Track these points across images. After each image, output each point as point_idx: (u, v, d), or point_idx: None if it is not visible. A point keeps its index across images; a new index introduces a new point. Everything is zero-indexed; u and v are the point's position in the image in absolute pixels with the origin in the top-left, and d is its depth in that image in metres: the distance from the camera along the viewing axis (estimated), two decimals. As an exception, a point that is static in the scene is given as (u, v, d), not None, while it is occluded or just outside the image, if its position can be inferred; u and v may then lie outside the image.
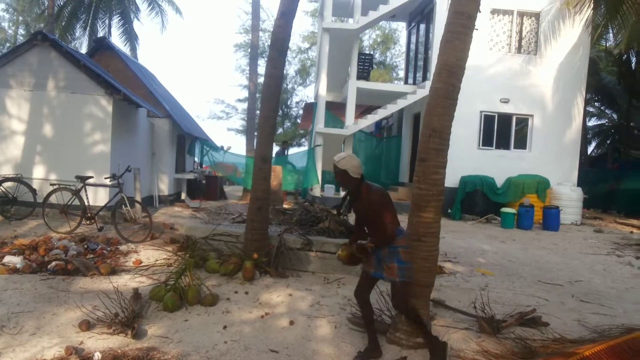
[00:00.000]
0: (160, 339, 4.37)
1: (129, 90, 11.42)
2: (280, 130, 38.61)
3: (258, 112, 32.75)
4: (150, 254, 7.51)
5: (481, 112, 15.66)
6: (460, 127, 15.16)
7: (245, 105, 38.99)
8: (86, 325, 4.41)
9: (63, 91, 9.99)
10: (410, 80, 18.98)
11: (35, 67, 9.98)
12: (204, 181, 17.40)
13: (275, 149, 19.36)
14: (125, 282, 6.00)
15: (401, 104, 15.84)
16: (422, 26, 17.78)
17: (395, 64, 35.16)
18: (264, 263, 6.60)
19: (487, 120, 15.79)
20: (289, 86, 37.55)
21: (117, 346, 4.11)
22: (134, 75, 13.87)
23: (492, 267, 8.12)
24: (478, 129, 15.72)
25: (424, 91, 15.52)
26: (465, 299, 6.03)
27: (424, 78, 16.51)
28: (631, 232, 13.62)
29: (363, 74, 17.66)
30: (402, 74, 34.92)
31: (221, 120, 39.13)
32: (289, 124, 37.65)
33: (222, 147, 17.60)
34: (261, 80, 24.51)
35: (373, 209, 4.09)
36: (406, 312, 4.25)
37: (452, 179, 12.59)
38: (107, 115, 10.00)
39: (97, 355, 3.68)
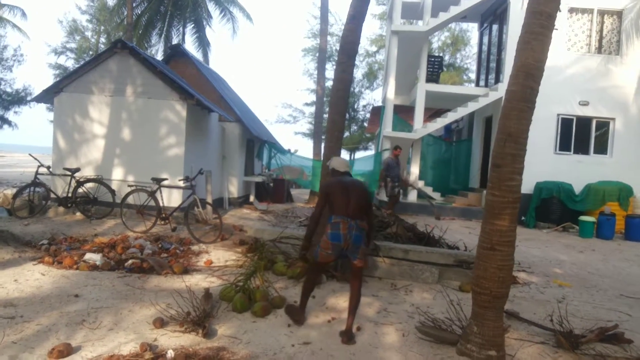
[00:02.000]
0: (229, 339, 4.43)
1: (201, 95, 11.77)
2: (347, 134, 38.67)
3: (326, 115, 32.95)
4: (220, 255, 7.69)
5: (558, 115, 14.95)
6: (535, 130, 14.38)
7: (312, 109, 39.42)
8: (160, 323, 4.55)
9: (140, 96, 10.44)
10: (482, 83, 18.45)
11: (115, 74, 10.48)
12: (271, 184, 17.67)
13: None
14: (197, 281, 6.16)
15: (472, 107, 15.41)
16: (495, 27, 17.24)
17: (465, 66, 34.32)
18: (330, 267, 6.58)
19: (565, 123, 15.05)
20: (356, 89, 37.50)
21: (188, 344, 4.21)
22: (206, 81, 14.30)
23: (570, 279, 7.71)
24: (555, 133, 15.02)
25: (496, 94, 15.04)
26: (540, 311, 5.77)
27: (497, 80, 16.00)
28: None
29: (432, 77, 17.32)
30: (473, 76, 34.09)
31: (288, 124, 39.67)
32: (355, 127, 37.60)
33: (289, 150, 17.79)
34: (329, 84, 24.79)
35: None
36: (304, 279, 5.23)
37: (526, 185, 11.89)
38: (181, 119, 10.35)
39: (170, 353, 3.78)
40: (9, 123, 45.25)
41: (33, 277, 5.89)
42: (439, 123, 16.07)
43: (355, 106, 37.69)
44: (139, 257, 6.95)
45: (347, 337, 4.59)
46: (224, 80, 18.22)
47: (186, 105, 10.33)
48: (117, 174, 10.52)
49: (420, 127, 16.05)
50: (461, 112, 15.68)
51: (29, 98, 39.82)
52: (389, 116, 16.22)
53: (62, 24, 40.34)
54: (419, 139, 16.37)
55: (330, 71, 26.57)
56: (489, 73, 17.71)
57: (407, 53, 16.75)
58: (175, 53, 14.81)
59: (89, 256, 6.72)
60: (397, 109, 17.60)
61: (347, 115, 36.78)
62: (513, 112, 4.21)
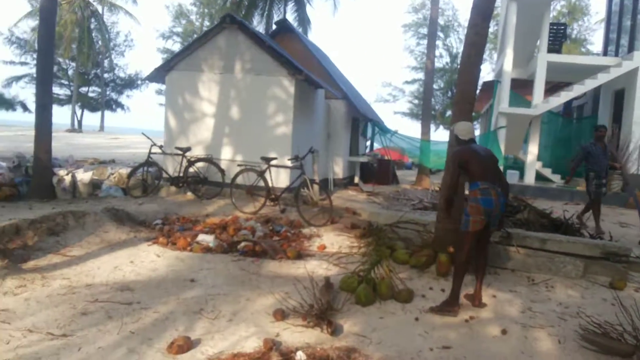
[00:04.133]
0: (357, 337, 3.93)
1: (309, 71, 11.34)
2: (448, 112, 37.10)
3: (436, 90, 31.45)
4: (333, 239, 7.23)
5: None
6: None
7: (412, 87, 38.22)
8: (281, 315, 4.15)
9: (249, 73, 10.18)
10: (612, 52, 16.49)
11: (223, 50, 10.28)
12: (375, 165, 17.03)
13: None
14: (313, 268, 5.73)
15: (603, 78, 13.74)
16: (630, -12, 15.27)
17: (583, 37, 31.39)
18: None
19: None
20: (459, 66, 35.71)
21: (314, 342, 3.76)
22: (312, 56, 13.83)
23: None
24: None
25: (631, 63, 13.33)
26: None
27: (631, 48, 14.18)
28: None
29: (554, 47, 15.74)
30: (592, 48, 31.18)
31: (388, 103, 38.79)
32: (459, 105, 35.90)
33: (395, 131, 17.03)
34: (440, 55, 23.12)
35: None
36: (457, 258, 4.78)
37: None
38: (289, 96, 9.98)
39: (301, 355, 3.32)
40: (122, 106, 48.37)
41: (148, 258, 5.74)
42: (563, 97, 14.54)
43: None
44: (251, 239, 6.65)
45: (479, 301, 4.83)
46: (328, 57, 17.74)
47: (294, 81, 9.93)
48: (226, 153, 10.40)
49: (541, 102, 14.61)
50: (589, 84, 14.06)
51: (140, 80, 42.10)
52: (505, 90, 14.91)
53: (168, 8, 42.03)
54: (539, 116, 14.93)
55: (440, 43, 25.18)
56: (620, 40, 15.78)
57: (525, 22, 15.21)
58: (281, 28, 14.42)
59: (202, 237, 6.52)
60: (512, 84, 16.19)
61: (449, 93, 35.21)
62: None
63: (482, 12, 5.69)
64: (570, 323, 4.49)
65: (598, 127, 9.48)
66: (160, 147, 10.21)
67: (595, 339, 3.98)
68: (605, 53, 17.40)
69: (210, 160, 9.96)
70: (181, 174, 9.78)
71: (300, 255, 6.24)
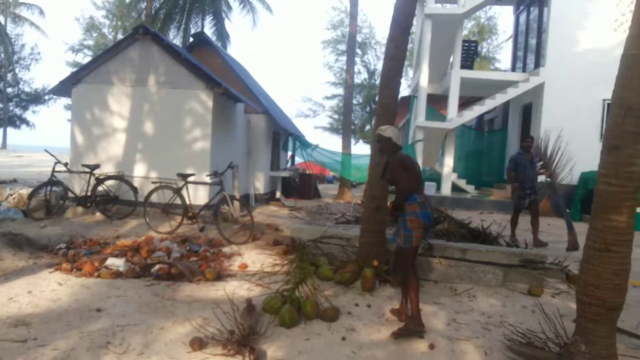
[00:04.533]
0: (282, 363, 3.68)
1: (228, 85, 11.03)
2: (367, 127, 37.84)
3: (355, 105, 31.88)
4: (254, 257, 6.93)
5: (604, 100, 13.96)
6: (579, 118, 13.76)
7: (332, 102, 38.69)
8: (198, 344, 3.81)
9: (164, 86, 9.72)
10: (520, 69, 17.43)
11: (136, 63, 9.77)
12: (297, 179, 16.88)
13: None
14: (234, 289, 5.40)
15: (512, 93, 14.46)
16: (534, 9, 16.22)
17: (492, 55, 33.17)
18: (384, 271, 5.79)
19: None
20: (377, 81, 36.60)
21: (234, 372, 3.46)
22: (231, 70, 13.51)
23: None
24: (600, 120, 14.04)
25: (538, 79, 14.11)
26: (627, 317, 4.86)
27: (537, 65, 15.01)
28: None
29: (467, 63, 16.40)
30: (500, 65, 32.98)
31: (308, 118, 39.01)
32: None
33: (316, 145, 17.00)
34: (359, 71, 23.48)
35: (392, 172, 4.48)
36: (402, 277, 4.56)
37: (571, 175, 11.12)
38: (207, 110, 9.61)
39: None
40: (27, 123, 45.36)
41: (49, 287, 5.17)
42: (476, 111, 15.16)
43: (377, 98, 36.77)
44: (167, 261, 6.21)
45: (406, 315, 4.60)
46: (248, 72, 17.46)
47: (212, 94, 9.58)
48: (139, 170, 9.83)
49: (455, 116, 15.13)
50: (500, 98, 14.74)
51: (46, 94, 39.68)
52: (422, 105, 15.34)
53: (79, 21, 40.06)
54: (454, 129, 15.45)
55: (359, 59, 25.45)
56: (527, 58, 16.71)
57: (440, 39, 15.80)
58: (199, 42, 13.97)
59: (111, 261, 6.01)
60: (427, 99, 16.70)
61: (368, 108, 35.93)
62: (634, 81, 3.37)
63: (402, 26, 5.69)
64: (495, 333, 4.49)
65: (527, 138, 9.33)
66: (66, 164, 9.48)
67: (520, 349, 3.97)
68: (513, 69, 18.37)
69: (122, 178, 9.36)
70: (89, 193, 9.12)
71: (220, 276, 5.89)
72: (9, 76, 41.68)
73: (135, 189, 9.24)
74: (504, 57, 42.36)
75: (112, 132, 9.88)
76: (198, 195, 9.31)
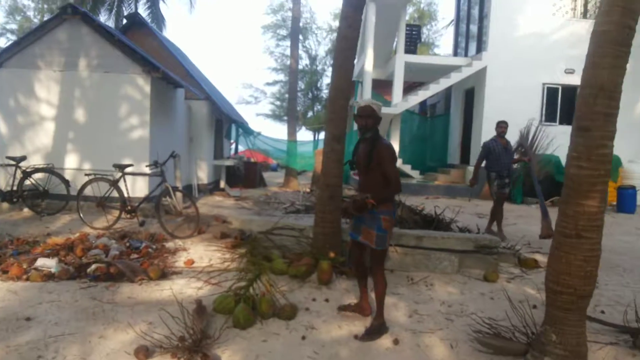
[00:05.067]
0: (239, 369, 3.35)
1: (167, 69, 10.43)
2: (310, 113, 37.60)
3: (298, 92, 31.57)
4: (201, 252, 6.52)
5: (543, 84, 14.33)
6: (520, 101, 14.02)
7: (274, 89, 38.17)
8: (144, 353, 3.42)
9: (96, 70, 9.04)
10: (461, 53, 17.60)
11: (65, 45, 9.02)
12: (241, 168, 16.41)
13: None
14: (180, 288, 5.00)
15: (456, 77, 14.56)
16: (475, -7, 16.37)
17: (431, 40, 33.60)
18: (340, 263, 5.54)
19: (550, 93, 14.41)
20: (319, 67, 36.38)
21: (186, 384, 3.10)
22: (170, 54, 12.82)
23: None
24: (540, 103, 14.38)
25: (480, 63, 14.26)
26: None
27: (479, 49, 15.17)
28: None
29: (410, 48, 16.36)
30: (439, 51, 33.48)
31: (250, 105, 38.37)
32: (319, 107, 36.52)
33: (259, 133, 16.59)
34: (300, 57, 22.81)
35: (380, 163, 3.97)
36: (377, 279, 4.13)
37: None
38: (144, 96, 9.02)
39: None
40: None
41: (-31, 295, 4.60)
42: (421, 96, 15.18)
43: (319, 84, 36.58)
44: (104, 260, 5.71)
45: (369, 310, 4.47)
46: (187, 56, 16.73)
47: (150, 79, 8.99)
48: (71, 161, 9.14)
49: (400, 101, 15.08)
50: (444, 83, 14.82)
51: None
52: (367, 90, 15.19)
53: (0, 3, 37.41)
54: (399, 114, 15.41)
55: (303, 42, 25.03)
56: (469, 43, 16.88)
57: (383, 23, 15.66)
58: (133, 23, 13.12)
59: (41, 262, 5.44)
60: (371, 84, 16.59)
61: (310, 94, 35.67)
62: (606, 59, 3.24)
63: (354, 4, 5.40)
64: (457, 323, 4.36)
65: (499, 122, 8.30)
66: (-13, 157, 8.69)
67: (488, 340, 3.83)
68: (455, 54, 18.54)
69: (51, 171, 8.66)
70: (14, 188, 8.39)
71: (164, 275, 5.46)
72: None
73: (67, 182, 8.58)
74: (444, 43, 43.13)
75: (39, 120, 9.12)
76: (137, 187, 8.77)
